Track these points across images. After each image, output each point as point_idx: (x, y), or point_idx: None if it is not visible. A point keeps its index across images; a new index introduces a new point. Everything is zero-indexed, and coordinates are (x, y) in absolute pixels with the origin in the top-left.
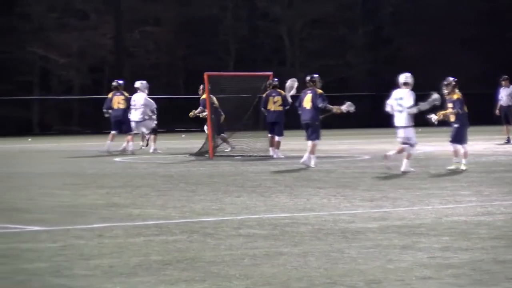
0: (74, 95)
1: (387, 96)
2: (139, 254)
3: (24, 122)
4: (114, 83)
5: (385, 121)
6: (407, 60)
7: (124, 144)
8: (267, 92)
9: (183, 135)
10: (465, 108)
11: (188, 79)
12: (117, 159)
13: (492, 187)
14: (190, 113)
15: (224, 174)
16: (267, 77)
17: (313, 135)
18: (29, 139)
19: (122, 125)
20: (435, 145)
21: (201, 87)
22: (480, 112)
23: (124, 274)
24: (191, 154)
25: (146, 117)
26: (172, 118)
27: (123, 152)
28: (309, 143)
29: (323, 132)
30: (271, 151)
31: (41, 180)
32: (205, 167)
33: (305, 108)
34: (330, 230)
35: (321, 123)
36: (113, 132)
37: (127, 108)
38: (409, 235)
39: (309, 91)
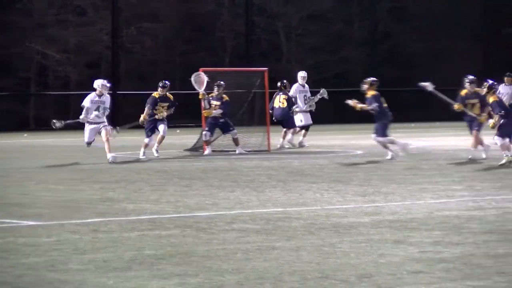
0: (71, 91)
1: (383, 91)
2: (133, 249)
3: (21, 118)
4: (279, 83)
5: None
6: (405, 56)
7: (288, 138)
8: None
9: (178, 131)
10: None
11: (184, 75)
12: (112, 154)
13: (484, 182)
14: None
15: (218, 169)
16: (262, 72)
17: None
18: (25, 135)
19: (284, 122)
20: (428, 140)
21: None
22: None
23: (118, 269)
24: (185, 150)
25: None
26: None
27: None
28: None
29: (317, 127)
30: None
31: (37, 175)
32: (199, 162)
33: None
34: (322, 224)
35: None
36: (284, 129)
37: (288, 108)
38: (401, 230)
39: None
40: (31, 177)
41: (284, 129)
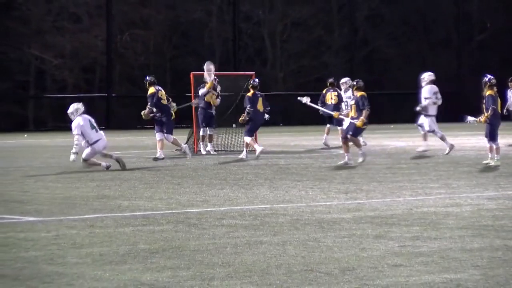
0: (68, 94)
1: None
2: (127, 243)
3: (21, 119)
4: (330, 80)
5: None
6: (382, 61)
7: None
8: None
9: None
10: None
11: (174, 79)
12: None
13: (459, 180)
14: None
15: (208, 168)
16: (250, 76)
17: None
18: (25, 135)
19: (333, 119)
20: (406, 141)
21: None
22: (450, 109)
23: (113, 262)
24: (176, 149)
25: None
26: None
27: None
28: None
29: (301, 128)
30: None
31: (36, 174)
32: (190, 161)
33: None
34: (307, 220)
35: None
36: (328, 125)
37: (338, 104)
38: (381, 225)
39: None
40: (30, 175)
41: (328, 126)
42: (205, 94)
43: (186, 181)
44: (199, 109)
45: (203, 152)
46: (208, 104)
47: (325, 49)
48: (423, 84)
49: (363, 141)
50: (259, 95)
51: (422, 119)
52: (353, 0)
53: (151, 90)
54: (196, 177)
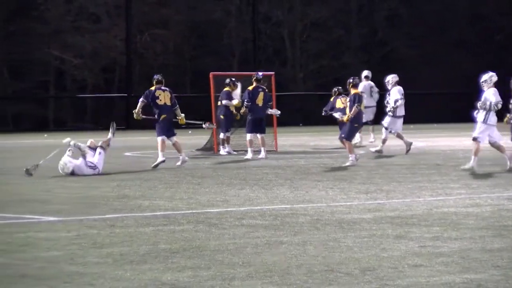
0: (87, 93)
1: (382, 95)
2: (148, 243)
3: (41, 119)
4: (339, 89)
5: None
6: (399, 61)
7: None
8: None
9: (190, 131)
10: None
11: (194, 79)
12: (127, 153)
13: (480, 181)
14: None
15: (228, 168)
16: (270, 76)
17: None
18: (45, 135)
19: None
20: (426, 141)
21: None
22: (467, 110)
23: (134, 262)
24: (197, 149)
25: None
26: None
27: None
28: None
29: (321, 128)
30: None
31: (56, 173)
32: (210, 161)
33: None
34: (327, 220)
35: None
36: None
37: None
38: (401, 226)
39: None
40: (50, 175)
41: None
42: (227, 105)
43: (206, 181)
44: (222, 117)
45: (223, 153)
46: (231, 111)
47: (344, 49)
48: (389, 86)
49: (359, 138)
50: (260, 90)
51: (389, 121)
52: (372, 1)
53: (151, 88)
54: (216, 177)
